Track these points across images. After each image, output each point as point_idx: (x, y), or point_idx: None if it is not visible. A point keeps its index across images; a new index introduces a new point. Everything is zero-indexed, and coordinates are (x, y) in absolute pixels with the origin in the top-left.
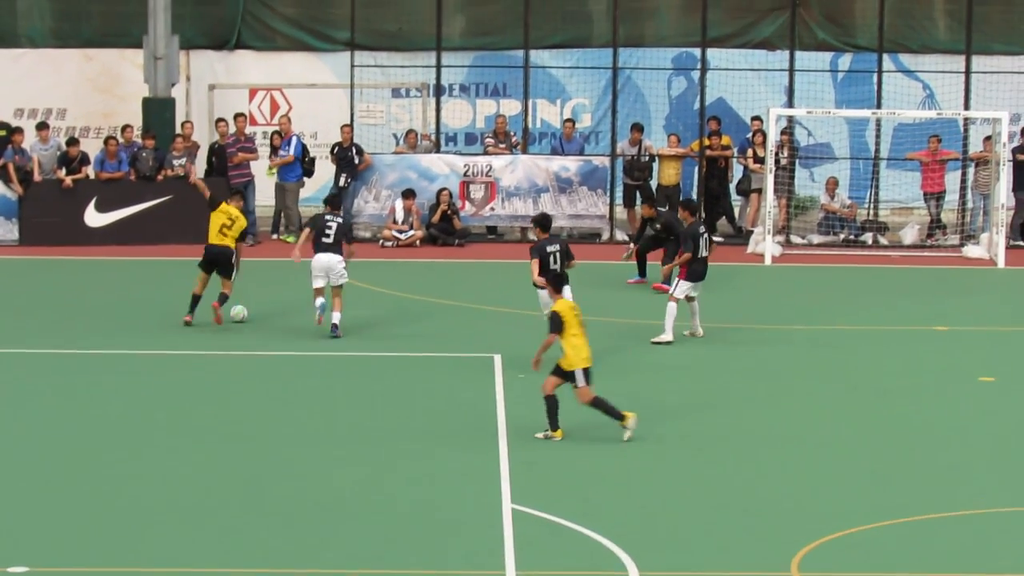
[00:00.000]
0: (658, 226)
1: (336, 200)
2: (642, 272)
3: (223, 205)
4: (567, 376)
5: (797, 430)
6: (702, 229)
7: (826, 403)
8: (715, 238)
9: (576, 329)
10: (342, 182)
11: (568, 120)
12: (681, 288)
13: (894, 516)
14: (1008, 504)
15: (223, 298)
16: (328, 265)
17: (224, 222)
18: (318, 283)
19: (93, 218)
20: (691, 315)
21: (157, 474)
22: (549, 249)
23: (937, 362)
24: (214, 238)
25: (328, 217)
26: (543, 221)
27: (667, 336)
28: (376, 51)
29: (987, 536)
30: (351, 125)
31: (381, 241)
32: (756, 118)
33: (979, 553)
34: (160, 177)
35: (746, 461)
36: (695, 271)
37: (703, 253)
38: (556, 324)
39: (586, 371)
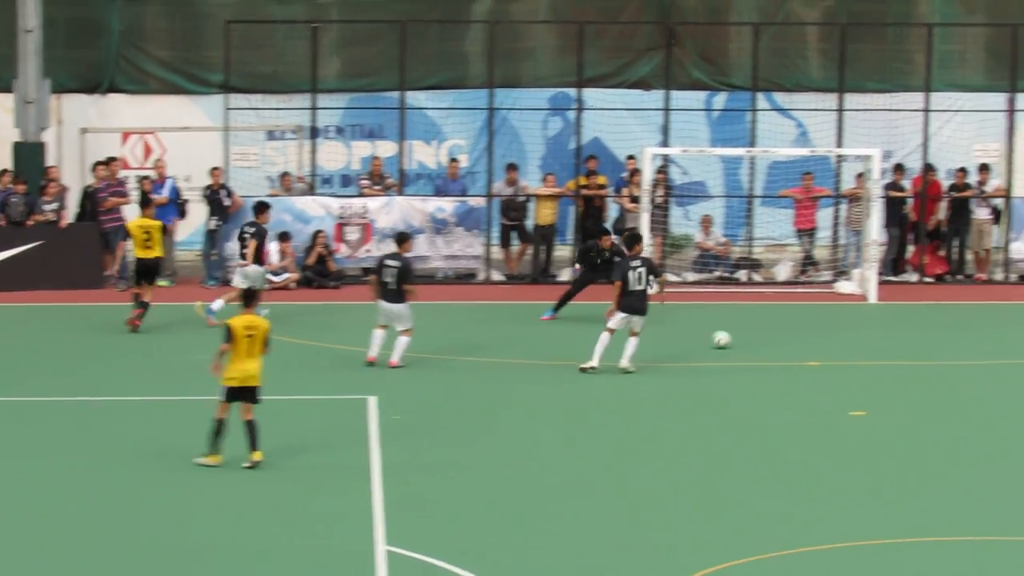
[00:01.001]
0: (607, 255)
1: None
2: (558, 308)
3: (138, 220)
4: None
5: (671, 466)
6: (636, 263)
7: (699, 439)
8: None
9: (243, 347)
10: (212, 224)
11: (453, 160)
12: (615, 320)
13: (767, 550)
14: (880, 536)
15: (144, 306)
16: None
17: (143, 236)
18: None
19: None
20: (624, 348)
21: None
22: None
23: (809, 397)
24: (140, 252)
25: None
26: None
27: (593, 363)
28: (251, 93)
29: (859, 569)
30: (221, 168)
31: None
32: (631, 157)
33: None
34: (30, 222)
35: (621, 496)
36: (626, 303)
37: (634, 287)
38: (225, 336)
39: (230, 389)
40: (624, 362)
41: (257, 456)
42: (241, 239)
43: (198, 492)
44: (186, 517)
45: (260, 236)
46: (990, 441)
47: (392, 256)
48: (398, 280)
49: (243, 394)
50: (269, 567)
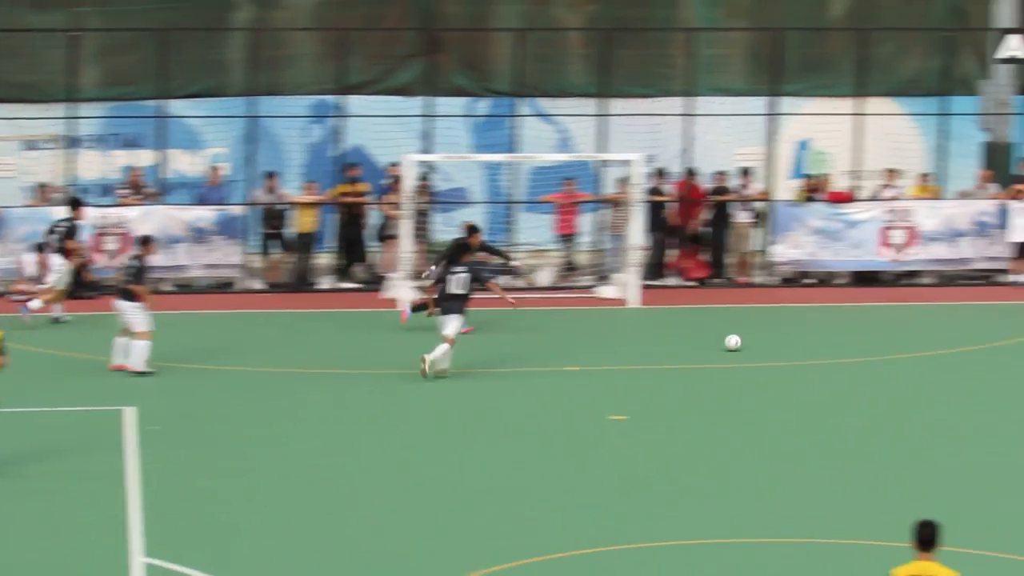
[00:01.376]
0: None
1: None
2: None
3: None
4: None
5: (429, 472)
6: (459, 268)
7: (451, 445)
8: (348, 284)
9: None
10: None
11: (214, 167)
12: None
13: (528, 555)
14: (638, 540)
15: None
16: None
17: None
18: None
19: None
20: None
21: None
22: None
23: (568, 402)
24: None
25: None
26: None
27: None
28: (7, 103)
29: (622, 572)
30: None
31: (10, 296)
32: (394, 164)
33: None
34: None
35: (389, 504)
36: (441, 305)
37: (451, 289)
38: None
39: None
40: (431, 355)
41: None
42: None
43: None
44: None
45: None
46: (749, 443)
47: (133, 257)
48: (127, 279)
49: None
50: None
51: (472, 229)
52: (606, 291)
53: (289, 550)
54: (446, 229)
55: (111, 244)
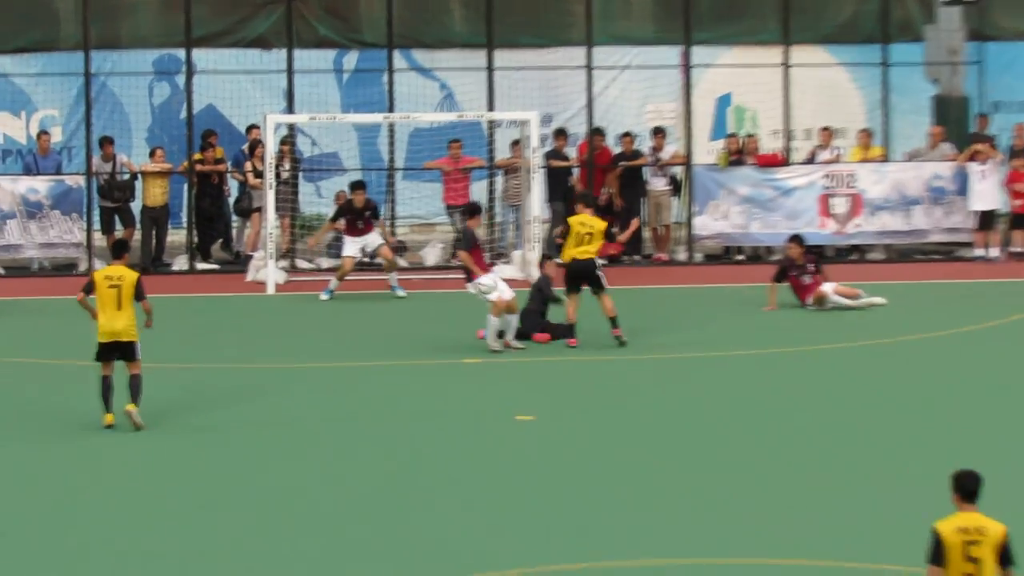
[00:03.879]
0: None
1: None
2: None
3: None
4: None
5: (313, 479)
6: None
7: (336, 452)
8: (205, 265)
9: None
10: None
11: (43, 132)
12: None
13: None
14: (537, 562)
15: None
16: None
17: None
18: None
19: None
20: None
21: None
22: None
23: (469, 398)
24: None
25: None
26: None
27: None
28: None
29: None
30: None
31: None
32: (253, 127)
33: None
34: None
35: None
36: None
37: None
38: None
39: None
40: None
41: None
42: None
43: None
44: None
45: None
46: (666, 442)
47: None
48: None
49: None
50: None
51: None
52: (504, 270)
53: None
54: (316, 200)
55: None
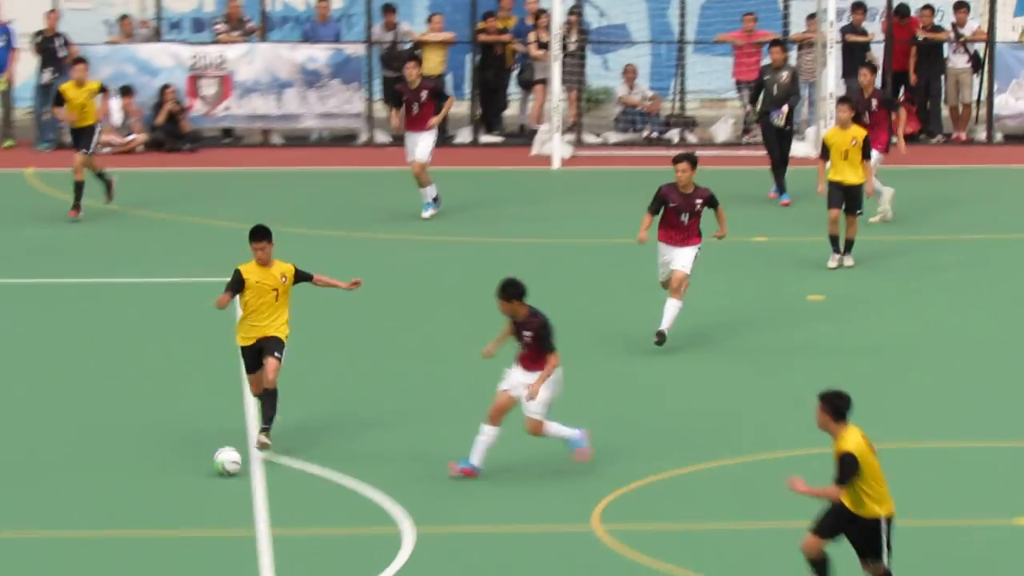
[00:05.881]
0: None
1: None
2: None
3: None
4: None
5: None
6: None
7: (621, 334)
8: (489, 138)
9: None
10: (46, 77)
11: (321, 0)
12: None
13: (695, 462)
14: (808, 446)
15: None
16: None
17: None
18: None
19: None
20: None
21: None
22: None
23: (761, 280)
24: None
25: None
26: None
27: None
28: None
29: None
30: (57, 10)
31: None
32: None
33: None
34: None
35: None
36: None
37: None
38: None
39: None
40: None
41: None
42: None
43: None
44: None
45: None
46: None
47: None
48: None
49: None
50: (138, 477)
51: None
52: (797, 148)
53: (425, 448)
54: (603, 74)
55: (209, 89)
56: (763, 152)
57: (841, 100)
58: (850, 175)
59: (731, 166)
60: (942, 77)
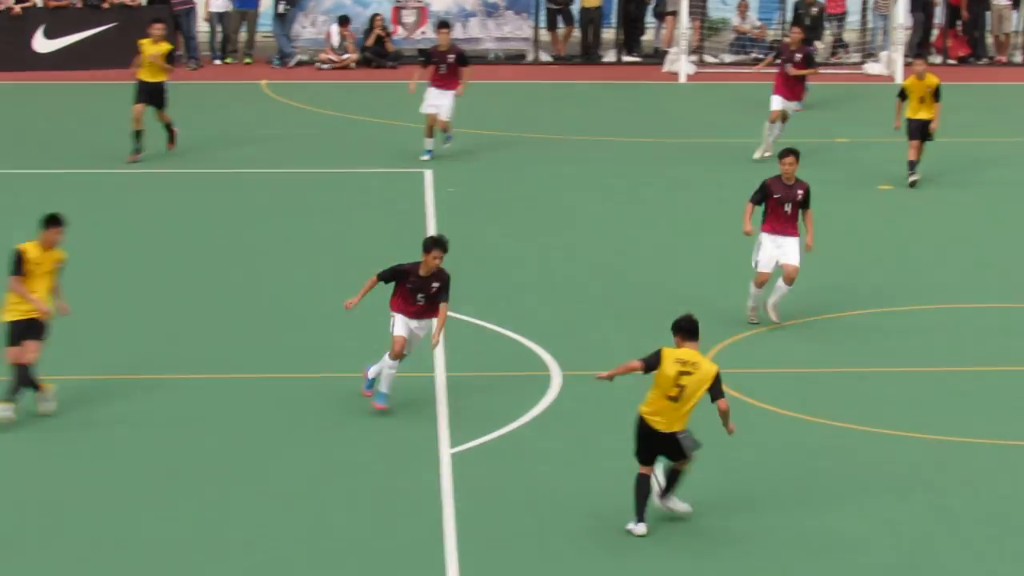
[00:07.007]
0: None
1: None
2: None
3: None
4: None
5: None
6: None
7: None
8: (629, 58)
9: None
10: (281, 8)
11: None
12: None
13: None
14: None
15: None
16: None
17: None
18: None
19: (41, 44)
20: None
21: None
22: None
23: (838, 171)
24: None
25: None
26: None
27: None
28: None
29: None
30: None
31: (318, 64)
32: None
33: None
34: (105, 4)
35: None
36: None
37: None
38: None
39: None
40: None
41: None
42: None
43: None
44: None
45: None
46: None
47: None
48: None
49: None
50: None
51: None
52: (873, 68)
53: (569, 305)
54: (721, 7)
55: (409, 17)
56: (847, 71)
57: (917, 55)
58: (924, 113)
59: (822, 81)
60: (987, 12)
